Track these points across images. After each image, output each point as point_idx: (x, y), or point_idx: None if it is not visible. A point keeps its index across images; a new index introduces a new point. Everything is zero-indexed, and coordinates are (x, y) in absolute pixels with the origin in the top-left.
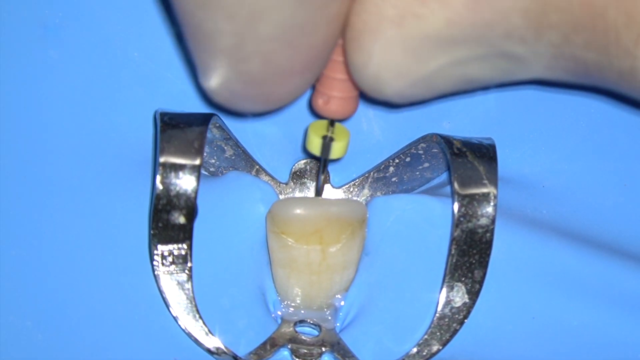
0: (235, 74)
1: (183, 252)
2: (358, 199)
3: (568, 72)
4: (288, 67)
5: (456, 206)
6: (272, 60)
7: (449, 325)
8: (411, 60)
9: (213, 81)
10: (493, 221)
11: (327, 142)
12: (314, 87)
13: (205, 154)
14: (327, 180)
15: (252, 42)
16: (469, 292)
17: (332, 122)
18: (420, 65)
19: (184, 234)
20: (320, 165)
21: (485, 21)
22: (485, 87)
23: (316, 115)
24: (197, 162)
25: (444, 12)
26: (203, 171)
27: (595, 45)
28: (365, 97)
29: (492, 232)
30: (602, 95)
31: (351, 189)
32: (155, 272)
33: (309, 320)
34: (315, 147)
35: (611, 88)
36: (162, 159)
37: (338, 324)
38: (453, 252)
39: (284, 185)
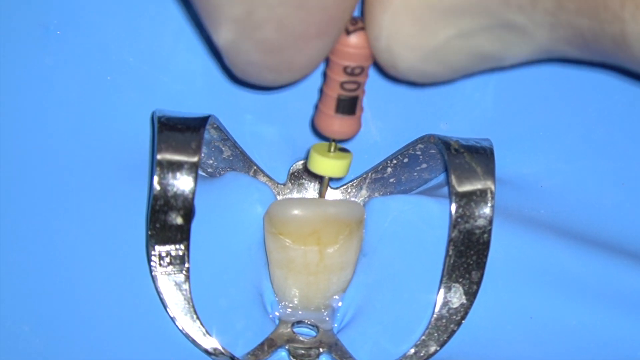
0: (252, 44)
1: (180, 253)
2: (356, 200)
3: (570, 44)
4: (303, 31)
5: (454, 207)
6: (286, 25)
7: (447, 326)
8: (419, 31)
9: (233, 55)
10: (490, 222)
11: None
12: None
13: (202, 155)
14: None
15: (262, 8)
16: (466, 293)
17: (334, 142)
18: (428, 37)
19: (182, 234)
20: (324, 182)
21: None
22: (501, 66)
23: (317, 134)
24: (195, 162)
25: None
26: (201, 172)
27: (586, 11)
28: (391, 77)
29: (489, 233)
30: (601, 94)
31: (349, 190)
32: (153, 273)
33: (306, 321)
34: (321, 168)
35: (612, 61)
36: (159, 160)
37: (335, 325)
38: (450, 253)
39: (282, 186)
